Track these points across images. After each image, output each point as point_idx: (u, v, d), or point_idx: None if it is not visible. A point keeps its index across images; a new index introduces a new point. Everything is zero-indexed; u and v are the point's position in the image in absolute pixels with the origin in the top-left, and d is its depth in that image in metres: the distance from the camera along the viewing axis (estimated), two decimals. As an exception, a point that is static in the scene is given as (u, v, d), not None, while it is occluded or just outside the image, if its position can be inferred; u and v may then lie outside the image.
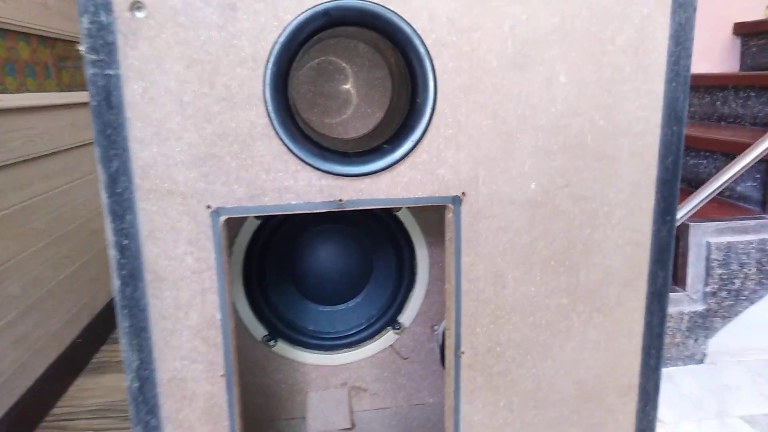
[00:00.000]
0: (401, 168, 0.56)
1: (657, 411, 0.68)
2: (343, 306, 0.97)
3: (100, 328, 2.01)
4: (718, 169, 2.20)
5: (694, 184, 2.18)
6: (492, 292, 0.60)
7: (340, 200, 0.56)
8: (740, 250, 1.86)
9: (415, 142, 0.55)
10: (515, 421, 0.65)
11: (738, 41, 2.78)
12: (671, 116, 0.57)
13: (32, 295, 1.56)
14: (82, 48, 0.49)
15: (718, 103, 2.45)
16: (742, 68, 2.74)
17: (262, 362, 0.94)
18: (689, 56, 0.56)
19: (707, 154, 2.17)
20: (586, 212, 0.60)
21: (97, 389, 1.55)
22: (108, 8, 0.48)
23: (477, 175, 0.57)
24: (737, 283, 1.90)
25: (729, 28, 2.82)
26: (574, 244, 0.61)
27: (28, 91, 1.85)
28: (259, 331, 0.91)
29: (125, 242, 0.54)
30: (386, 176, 0.56)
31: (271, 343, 0.92)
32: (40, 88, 1.98)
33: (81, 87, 2.30)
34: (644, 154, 0.58)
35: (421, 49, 0.53)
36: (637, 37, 0.55)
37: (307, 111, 0.71)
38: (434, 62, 0.54)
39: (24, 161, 1.76)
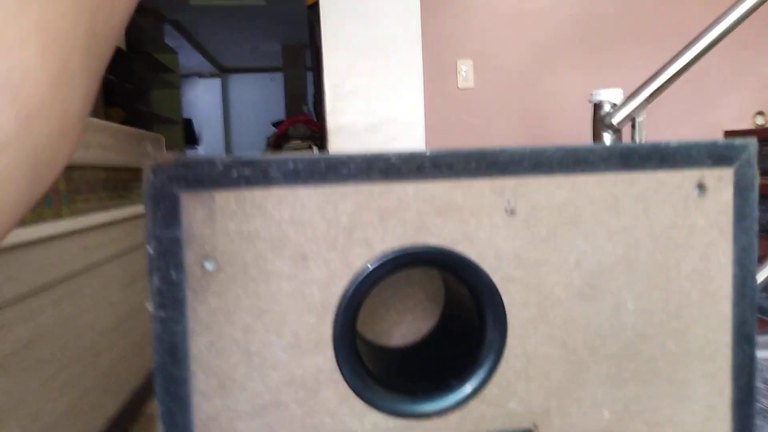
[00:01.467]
0: (471, 404, 0.54)
1: None
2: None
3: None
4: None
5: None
6: None
7: (408, 440, 0.53)
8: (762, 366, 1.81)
9: (484, 377, 0.53)
10: None
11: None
12: (741, 337, 0.56)
13: None
14: (149, 306, 0.48)
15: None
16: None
17: None
18: (754, 278, 0.56)
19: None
20: (663, 438, 0.57)
21: None
22: (179, 266, 0.48)
23: (548, 407, 0.55)
24: (765, 402, 1.83)
25: (720, 136, 2.92)
26: (652, 472, 0.57)
27: (43, 221, 1.86)
28: None
29: (181, 500, 0.50)
30: (456, 413, 0.54)
31: None
32: (56, 216, 1.99)
33: (94, 210, 2.32)
34: (717, 376, 0.57)
35: (490, 286, 0.52)
36: (701, 263, 0.55)
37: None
38: (503, 297, 0.53)
39: (35, 292, 1.73)
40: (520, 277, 0.53)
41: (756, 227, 0.56)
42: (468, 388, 0.53)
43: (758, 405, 1.73)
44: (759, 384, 1.80)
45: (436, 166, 0.51)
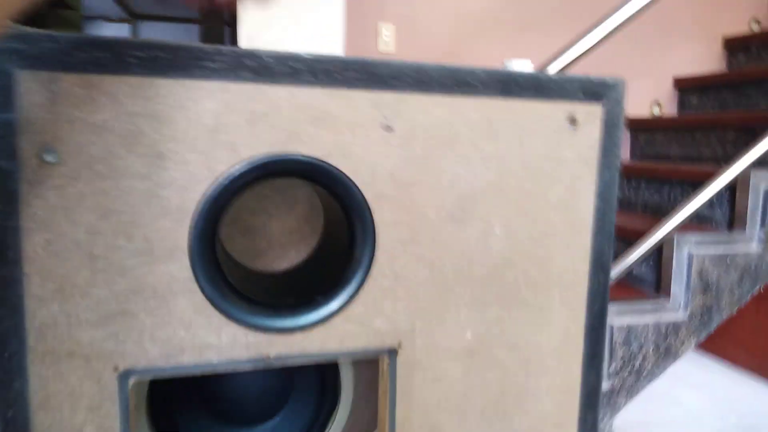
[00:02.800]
0: (335, 320, 0.53)
1: None
2: (260, 428, 0.90)
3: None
4: (616, 252, 2.36)
5: (596, 265, 2.32)
6: (426, 444, 0.58)
7: (268, 356, 0.52)
8: (639, 331, 1.98)
9: (350, 294, 0.53)
10: None
11: (629, 134, 3.07)
12: (598, 267, 0.59)
13: None
14: (-26, 196, 0.42)
15: (614, 187, 2.66)
16: (632, 158, 3.03)
17: (166, 497, 0.84)
18: (614, 212, 0.59)
19: (606, 236, 2.33)
20: (520, 360, 0.59)
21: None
22: (11, 153, 0.43)
23: (414, 326, 0.55)
24: (638, 362, 2.01)
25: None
26: (508, 392, 0.60)
27: None
28: (163, 462, 0.81)
29: (10, 413, 0.45)
30: (319, 329, 0.53)
31: (177, 474, 0.82)
32: None
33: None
34: (573, 303, 0.60)
35: (362, 203, 0.51)
36: (567, 194, 0.57)
37: (227, 224, 0.67)
38: (374, 215, 0.52)
39: None
40: (393, 196, 0.52)
41: (619, 164, 0.58)
42: (334, 305, 0.52)
43: (637, 364, 1.89)
44: (634, 346, 1.96)
45: (313, 72, 0.48)
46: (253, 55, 0.46)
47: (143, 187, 0.46)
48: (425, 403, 0.57)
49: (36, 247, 0.44)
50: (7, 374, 0.45)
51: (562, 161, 0.57)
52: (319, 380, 0.89)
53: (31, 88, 0.42)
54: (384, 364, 0.56)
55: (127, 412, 0.49)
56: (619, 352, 1.99)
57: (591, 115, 0.56)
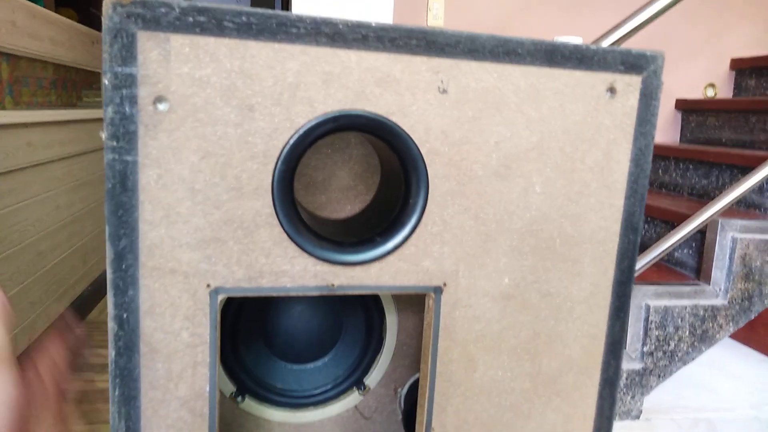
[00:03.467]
0: (390, 259, 0.61)
1: (603, 487, 0.74)
2: (311, 365, 1.00)
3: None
4: (659, 235, 2.36)
5: (636, 247, 2.33)
6: (463, 374, 0.66)
7: (332, 285, 0.60)
8: (676, 313, 2.00)
9: (405, 237, 0.60)
10: (476, 495, 0.69)
11: (679, 115, 3.02)
12: (628, 227, 0.65)
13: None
14: (103, 135, 0.52)
15: (660, 171, 2.64)
16: (682, 140, 2.97)
17: (228, 418, 0.95)
18: (646, 177, 0.64)
19: (649, 219, 2.33)
20: (551, 307, 0.66)
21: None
22: (133, 101, 0.52)
23: (458, 269, 0.63)
24: (672, 344, 2.03)
25: (672, 103, 3.06)
26: (539, 335, 0.67)
27: (-15, 109, 1.81)
28: (227, 387, 0.92)
29: (125, 315, 0.56)
30: (376, 266, 0.61)
31: (239, 399, 0.93)
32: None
33: (41, 106, 2.25)
34: (604, 259, 0.66)
35: (417, 157, 0.59)
36: (603, 159, 0.63)
37: (299, 189, 0.75)
38: (428, 168, 0.59)
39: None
40: (445, 152, 0.60)
41: (654, 132, 0.64)
42: (389, 245, 0.60)
43: (668, 348, 1.92)
44: (670, 328, 1.99)
45: (380, 38, 0.55)
46: (329, 22, 0.54)
47: (236, 134, 0.54)
48: (464, 339, 0.65)
49: (149, 179, 0.53)
50: (123, 283, 0.55)
51: (600, 127, 0.62)
52: (365, 327, 0.98)
53: (148, 47, 0.51)
54: (430, 300, 0.63)
55: (216, 323, 0.58)
56: (654, 333, 2.02)
57: (630, 85, 0.62)
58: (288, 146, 0.55)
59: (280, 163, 0.55)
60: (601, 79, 0.61)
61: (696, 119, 2.87)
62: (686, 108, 2.94)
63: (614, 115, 0.62)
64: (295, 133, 0.55)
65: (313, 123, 0.55)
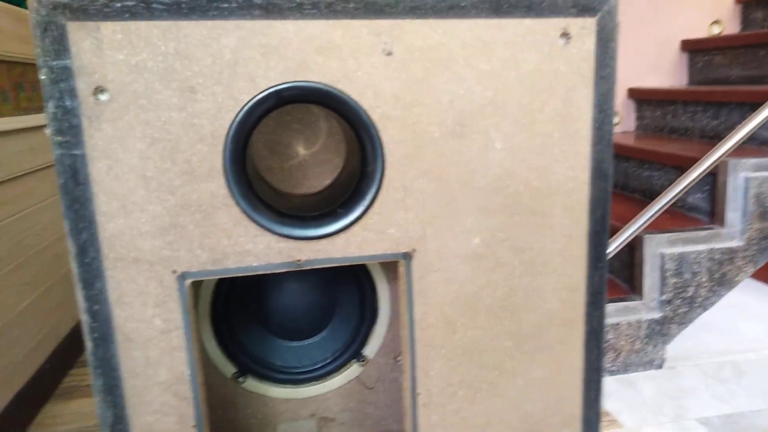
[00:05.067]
0: (355, 229, 0.61)
1: (598, 437, 0.74)
2: (309, 341, 1.01)
3: (66, 354, 2.00)
4: (670, 182, 2.31)
5: (648, 194, 2.29)
6: (443, 337, 0.66)
7: (299, 261, 0.60)
8: (692, 259, 1.97)
9: (366, 206, 0.60)
10: (468, 454, 0.70)
11: (685, 57, 2.92)
12: (598, 175, 0.64)
13: (-6, 325, 1.55)
14: (48, 131, 0.52)
15: (669, 116, 2.57)
16: (690, 83, 2.88)
17: (232, 398, 0.97)
18: (611, 122, 0.62)
19: (660, 166, 2.28)
20: (525, 262, 0.65)
21: (66, 415, 1.55)
22: (73, 94, 0.52)
23: (425, 233, 0.62)
24: (690, 291, 2.00)
25: (677, 45, 2.95)
26: (516, 291, 0.66)
27: (-17, 117, 1.83)
28: (228, 368, 0.94)
29: (96, 307, 0.57)
30: (341, 237, 0.61)
31: (240, 379, 0.95)
32: (-4, 113, 1.96)
33: (39, 110, 2.29)
34: (575, 209, 0.64)
35: (369, 124, 0.58)
36: (564, 107, 0.61)
37: (268, 158, 0.75)
38: (381, 135, 0.58)
39: (-21, 190, 1.75)
40: (397, 116, 0.58)
41: (615, 77, 0.61)
42: (352, 215, 0.60)
43: (687, 294, 1.89)
44: (687, 275, 1.95)
45: (316, 5, 0.54)
46: (263, -6, 0.52)
47: (180, 117, 0.54)
48: (440, 302, 0.65)
49: (100, 171, 0.54)
50: (90, 276, 0.56)
51: (557, 75, 0.60)
52: (359, 300, 0.98)
53: (80, 37, 0.51)
54: (401, 267, 0.63)
55: (187, 308, 0.59)
56: (671, 281, 1.99)
57: (584, 29, 0.59)
58: (234, 125, 0.55)
59: (229, 142, 0.55)
60: (553, 24, 0.58)
61: (703, 59, 2.77)
62: (692, 48, 2.84)
63: (570, 60, 0.60)
64: (240, 111, 0.55)
65: (255, 99, 0.54)
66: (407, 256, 0.62)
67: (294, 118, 0.76)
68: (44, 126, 2.16)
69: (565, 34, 0.59)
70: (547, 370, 0.70)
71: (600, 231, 0.65)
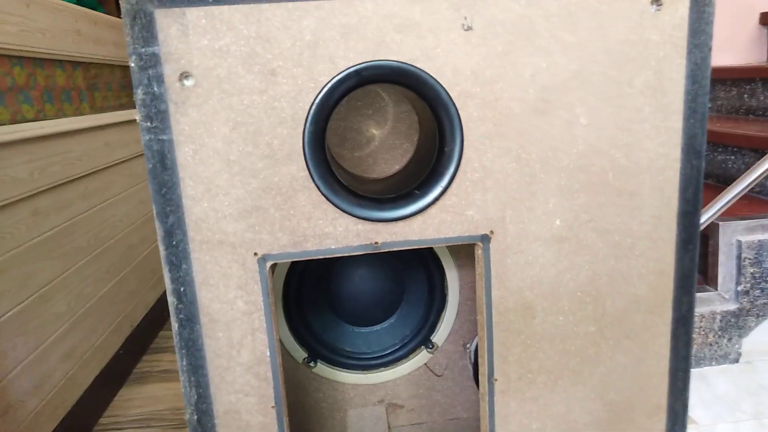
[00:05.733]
0: (432, 211, 0.60)
1: (686, 429, 0.70)
2: (378, 327, 1.01)
3: (140, 339, 2.10)
4: (747, 165, 2.17)
5: (722, 180, 2.17)
6: (522, 322, 0.64)
7: (376, 243, 0.60)
8: (772, 247, 1.84)
9: (444, 187, 0.59)
10: (548, 443, 0.68)
11: (765, 31, 2.72)
12: (690, 151, 0.60)
13: (77, 311, 1.65)
14: (137, 117, 0.54)
15: (746, 95, 2.41)
16: (769, 59, 2.69)
17: (303, 383, 0.99)
18: (706, 94, 0.58)
19: (735, 149, 2.15)
20: (610, 245, 0.62)
21: (140, 399, 1.63)
22: (160, 80, 0.53)
23: (504, 214, 0.60)
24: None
25: (755, 18, 2.76)
26: (600, 275, 0.63)
27: (65, 116, 1.94)
28: (299, 353, 0.96)
29: (182, 289, 0.58)
30: (418, 219, 0.60)
31: (311, 364, 0.96)
32: (77, 112, 2.07)
33: (113, 108, 2.39)
34: (665, 188, 0.61)
35: (448, 102, 0.56)
36: (655, 79, 0.58)
37: (338, 145, 0.75)
38: (460, 113, 0.57)
39: (64, 183, 1.86)
40: (477, 93, 0.57)
41: (710, 44, 0.57)
42: (429, 197, 0.59)
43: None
44: (766, 264, 1.84)
45: (394, -18, 0.53)
46: (341, -27, 0.52)
47: (262, 101, 0.54)
48: (519, 286, 0.63)
49: (186, 155, 0.55)
50: (176, 258, 0.57)
51: (648, 44, 0.57)
52: (427, 286, 0.97)
53: (167, 23, 0.52)
54: (479, 250, 0.62)
55: (268, 290, 0.60)
56: (749, 271, 1.88)
57: (678, -7, 0.56)
58: (314, 107, 0.55)
59: (308, 125, 0.55)
60: (644, -10, 0.55)
61: (784, 33, 2.58)
62: (773, 21, 2.64)
63: (662, 29, 0.56)
64: (319, 93, 0.55)
65: (335, 80, 0.54)
66: (486, 239, 0.61)
67: (364, 104, 0.75)
68: (118, 123, 2.25)
69: (656, 1, 0.56)
70: (632, 357, 0.67)
71: (691, 212, 0.62)
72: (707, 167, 2.25)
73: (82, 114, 2.08)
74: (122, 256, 2.25)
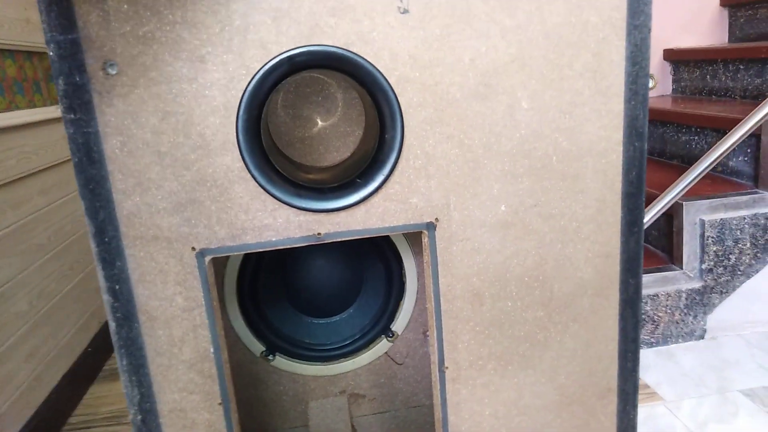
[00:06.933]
0: (375, 200, 0.58)
1: (637, 410, 0.71)
2: (337, 318, 1.00)
3: (109, 336, 2.06)
4: (710, 145, 2.21)
5: (686, 160, 2.20)
6: (470, 309, 0.63)
7: (319, 234, 0.59)
8: (734, 225, 1.88)
9: (386, 175, 0.58)
10: (501, 429, 0.68)
11: (726, 12, 2.76)
12: (632, 133, 0.60)
13: (40, 309, 1.60)
14: (59, 109, 0.51)
15: (708, 77, 2.45)
16: (730, 40, 2.73)
17: (263, 376, 0.98)
18: (646, 75, 0.58)
19: (698, 130, 2.18)
20: (556, 229, 0.62)
21: (111, 396, 1.60)
22: (82, 69, 0.51)
23: (448, 201, 0.59)
24: (733, 258, 1.92)
25: (716, 0, 2.80)
26: (546, 260, 0.63)
27: (18, 108, 1.87)
28: (257, 347, 0.94)
29: (117, 287, 0.56)
30: (361, 209, 0.58)
31: (270, 357, 0.95)
32: (30, 105, 2.00)
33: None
34: (608, 171, 0.61)
35: (386, 87, 0.55)
36: (594, 61, 0.57)
37: (287, 134, 0.74)
38: (399, 98, 0.56)
39: (21, 178, 1.79)
40: (416, 78, 0.55)
41: (650, 25, 0.57)
42: (371, 186, 0.58)
43: (729, 262, 1.82)
44: (729, 242, 1.88)
45: (326, -36, 0.51)
46: (270, -45, 0.50)
47: (191, 89, 0.52)
48: (466, 273, 0.62)
49: (114, 148, 0.53)
50: (110, 255, 0.55)
51: (587, 26, 0.56)
52: (385, 275, 0.96)
53: (86, 10, 0.49)
54: (424, 238, 0.61)
55: (207, 285, 0.58)
56: (712, 249, 1.91)
57: (616, -27, 0.55)
58: (246, 95, 0.53)
59: (241, 113, 0.53)
60: (582, -29, 0.54)
61: (745, 14, 2.61)
62: (733, 3, 2.68)
63: (601, 10, 0.55)
64: (251, 80, 0.53)
65: (267, 67, 0.52)
66: (431, 226, 0.60)
67: (313, 90, 0.74)
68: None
69: (595, -18, 0.55)
70: (581, 341, 0.67)
71: (635, 194, 0.62)
72: (673, 148, 2.29)
73: (36, 106, 2.01)
74: (87, 251, 2.18)
